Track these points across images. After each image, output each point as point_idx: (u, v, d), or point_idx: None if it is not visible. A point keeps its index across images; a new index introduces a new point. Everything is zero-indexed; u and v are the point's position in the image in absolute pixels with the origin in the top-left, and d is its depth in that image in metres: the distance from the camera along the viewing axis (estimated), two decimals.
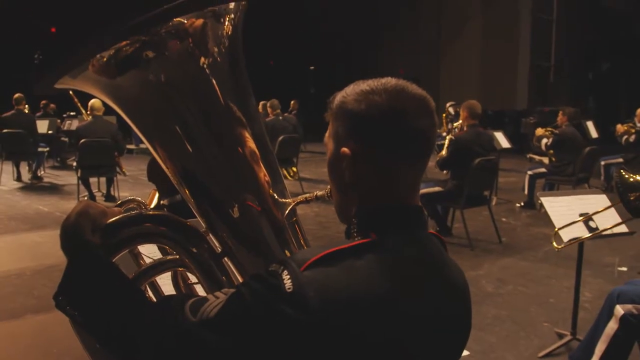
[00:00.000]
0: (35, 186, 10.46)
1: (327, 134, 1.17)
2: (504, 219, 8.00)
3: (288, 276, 0.97)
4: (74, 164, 8.81)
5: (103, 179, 9.27)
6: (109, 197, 9.02)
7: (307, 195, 1.26)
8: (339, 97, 1.14)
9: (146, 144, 1.26)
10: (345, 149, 1.10)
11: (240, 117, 1.21)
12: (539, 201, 4.19)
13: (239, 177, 1.23)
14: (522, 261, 6.16)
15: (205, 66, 1.16)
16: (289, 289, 0.95)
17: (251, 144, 1.22)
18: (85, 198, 8.65)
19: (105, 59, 1.10)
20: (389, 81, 1.11)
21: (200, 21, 1.13)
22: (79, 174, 8.52)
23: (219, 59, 1.18)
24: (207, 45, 1.16)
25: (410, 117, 1.08)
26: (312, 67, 20.78)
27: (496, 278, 5.56)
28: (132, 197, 1.38)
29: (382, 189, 1.10)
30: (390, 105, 1.08)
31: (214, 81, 1.18)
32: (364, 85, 1.12)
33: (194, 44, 1.13)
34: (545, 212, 3.97)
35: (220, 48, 1.17)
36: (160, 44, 1.10)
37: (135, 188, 10.02)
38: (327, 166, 1.18)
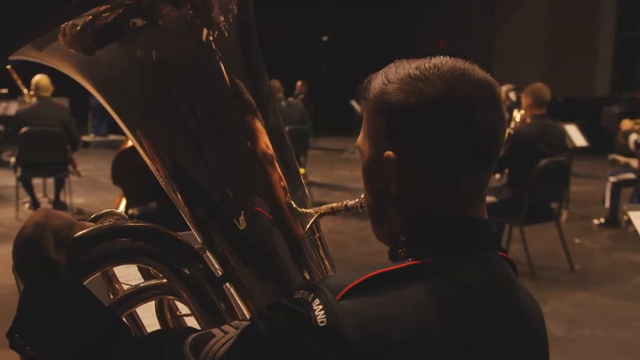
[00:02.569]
0: None
1: (360, 136, 1.18)
2: (577, 240, 7.98)
3: (320, 306, 0.97)
4: (12, 160, 8.80)
5: (51, 181, 9.25)
6: (57, 205, 8.96)
7: (334, 204, 1.27)
8: (377, 83, 1.14)
9: (128, 135, 1.28)
10: (389, 153, 1.10)
11: (251, 104, 1.24)
12: (626, 217, 4.18)
13: (248, 179, 1.26)
14: (601, 296, 6.14)
15: (208, 40, 1.19)
16: (321, 322, 0.96)
17: (264, 137, 1.25)
18: (27, 205, 8.69)
19: (79, 27, 1.12)
20: (444, 62, 1.11)
21: None
22: (18, 174, 8.48)
23: (225, 32, 1.21)
24: (211, 13, 1.18)
25: (474, 111, 1.09)
26: (324, 38, 20.78)
27: (567, 319, 5.55)
28: (109, 210, 1.39)
29: (437, 202, 1.11)
30: (449, 96, 1.08)
31: (218, 58, 1.20)
32: (411, 68, 1.11)
33: (195, 11, 1.16)
34: (635, 232, 3.96)
35: (227, 16, 1.20)
36: (151, 10, 1.12)
37: (93, 193, 10.01)
38: (362, 173, 1.19)
